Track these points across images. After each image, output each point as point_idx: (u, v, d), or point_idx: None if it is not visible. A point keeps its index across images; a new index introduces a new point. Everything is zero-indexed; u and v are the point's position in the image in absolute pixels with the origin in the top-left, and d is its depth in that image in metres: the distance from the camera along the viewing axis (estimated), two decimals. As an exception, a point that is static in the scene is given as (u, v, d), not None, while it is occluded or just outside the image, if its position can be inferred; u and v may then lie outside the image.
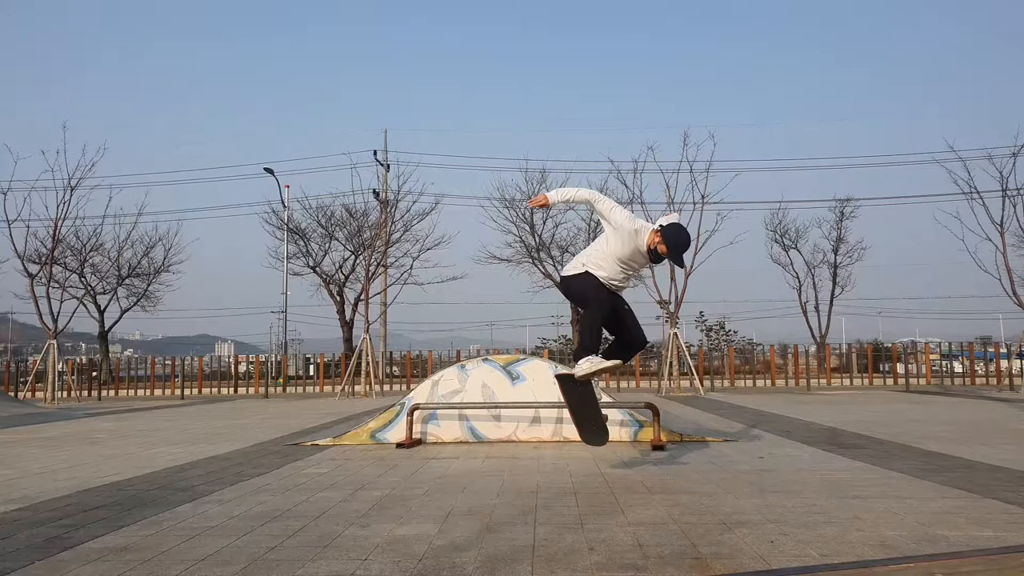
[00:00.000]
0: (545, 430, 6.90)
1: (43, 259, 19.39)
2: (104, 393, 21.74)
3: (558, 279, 4.71)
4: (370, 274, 19.22)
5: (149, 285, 29.71)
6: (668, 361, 16.62)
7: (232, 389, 22.60)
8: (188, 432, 8.79)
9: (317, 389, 22.70)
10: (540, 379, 7.09)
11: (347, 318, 27.66)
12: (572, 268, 4.77)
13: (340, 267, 27.80)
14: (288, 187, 30.15)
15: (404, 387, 20.08)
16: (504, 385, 7.07)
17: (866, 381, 20.96)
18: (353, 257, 26.97)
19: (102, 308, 28.98)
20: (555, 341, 34.03)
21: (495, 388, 7.06)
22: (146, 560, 2.93)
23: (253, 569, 2.79)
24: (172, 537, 3.33)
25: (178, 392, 21.40)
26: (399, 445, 6.62)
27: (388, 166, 29.57)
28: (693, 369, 17.05)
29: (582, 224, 26.48)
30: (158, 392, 22.00)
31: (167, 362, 23.85)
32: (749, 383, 21.10)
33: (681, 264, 4.89)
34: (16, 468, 5.81)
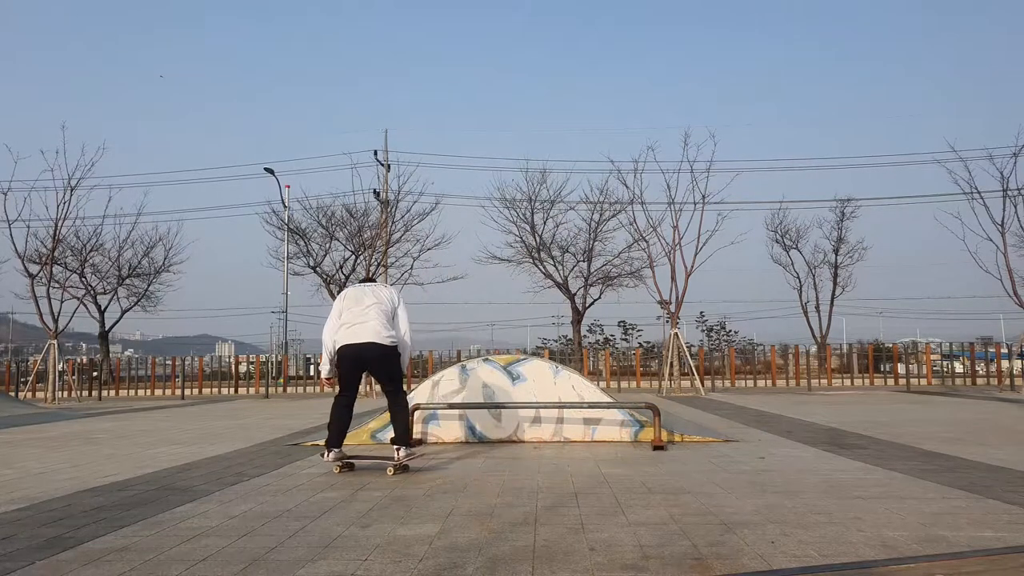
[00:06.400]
0: (546, 430, 6.90)
1: (43, 259, 19.42)
2: (105, 393, 21.73)
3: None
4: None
5: (149, 285, 29.70)
6: (669, 361, 16.62)
7: (233, 389, 22.60)
8: (188, 432, 8.79)
9: (317, 389, 22.69)
10: (540, 379, 7.09)
11: (348, 318, 27.61)
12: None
13: (341, 267, 27.77)
14: (288, 187, 30.14)
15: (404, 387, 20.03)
16: (505, 385, 7.08)
17: (867, 381, 20.94)
18: (354, 257, 26.96)
19: (102, 308, 28.96)
20: (556, 341, 34.00)
21: (496, 388, 7.07)
22: (147, 560, 2.93)
23: (253, 569, 2.79)
24: (172, 537, 3.33)
25: (179, 392, 21.39)
26: (400, 445, 6.61)
27: (388, 166, 29.54)
28: (694, 369, 17.04)
29: (582, 224, 26.49)
30: (159, 392, 22.01)
31: (168, 362, 23.84)
32: (750, 383, 21.09)
33: None
34: (17, 468, 5.81)
